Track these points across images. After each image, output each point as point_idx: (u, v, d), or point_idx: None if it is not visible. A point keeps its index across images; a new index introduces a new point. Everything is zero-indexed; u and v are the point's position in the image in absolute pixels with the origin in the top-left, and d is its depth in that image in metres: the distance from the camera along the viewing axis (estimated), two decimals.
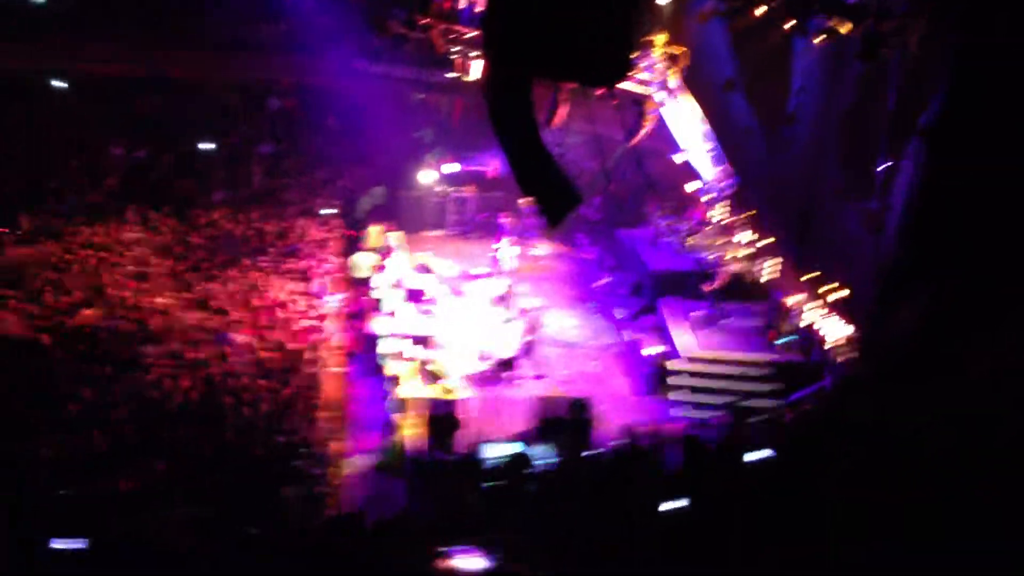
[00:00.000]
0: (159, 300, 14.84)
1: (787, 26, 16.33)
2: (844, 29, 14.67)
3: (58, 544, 7.94)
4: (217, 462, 10.78)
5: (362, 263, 19.21)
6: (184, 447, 10.97)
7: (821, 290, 16.00)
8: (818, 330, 15.90)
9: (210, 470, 10.55)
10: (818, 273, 16.40)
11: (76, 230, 16.82)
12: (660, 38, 17.61)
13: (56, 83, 21.91)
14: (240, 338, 14.00)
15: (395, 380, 14.61)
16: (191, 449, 10.97)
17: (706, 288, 17.36)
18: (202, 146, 22.18)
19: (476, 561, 5.91)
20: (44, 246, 15.99)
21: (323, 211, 20.48)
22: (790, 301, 16.84)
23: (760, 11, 16.41)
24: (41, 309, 13.81)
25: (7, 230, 16.23)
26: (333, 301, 16.66)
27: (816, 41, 15.53)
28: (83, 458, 10.39)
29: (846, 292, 15.54)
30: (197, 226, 18.16)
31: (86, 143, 20.93)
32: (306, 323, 15.17)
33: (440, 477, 11.73)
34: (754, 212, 18.95)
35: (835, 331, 15.46)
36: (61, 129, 21.18)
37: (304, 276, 16.89)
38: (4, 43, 21.30)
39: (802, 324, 16.55)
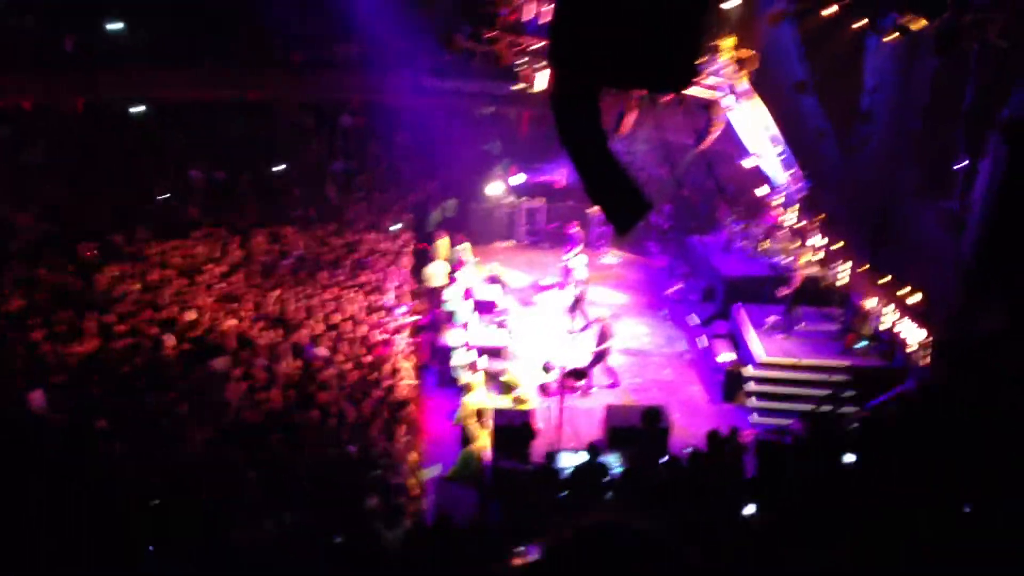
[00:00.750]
0: (240, 316, 15.24)
1: (858, 25, 16.06)
2: (917, 26, 14.35)
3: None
4: (303, 473, 11.04)
5: (434, 275, 19.47)
6: (273, 458, 11.27)
7: (899, 293, 15.62)
8: (899, 333, 15.53)
9: (297, 481, 10.81)
10: (895, 276, 16.03)
11: (161, 251, 17.38)
12: (728, 42, 17.46)
13: (137, 110, 22.83)
14: (320, 352, 14.30)
15: (468, 391, 14.75)
16: (280, 460, 11.27)
17: (780, 293, 17.09)
18: (278, 166, 22.81)
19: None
20: (131, 267, 16.57)
21: (394, 225, 20.80)
22: (868, 305, 16.48)
23: (830, 11, 16.16)
24: (132, 329, 14.32)
25: (96, 253, 16.84)
26: (406, 314, 16.92)
27: (889, 39, 15.22)
28: (178, 467, 10.75)
29: (923, 295, 15.13)
30: (275, 244, 18.62)
31: (167, 167, 21.70)
32: (381, 336, 15.42)
33: (517, 486, 11.78)
34: (827, 215, 18.63)
35: (916, 335, 15.07)
36: (144, 155, 22.02)
37: (378, 289, 17.17)
38: (88, 74, 22.29)
39: (882, 328, 16.19)
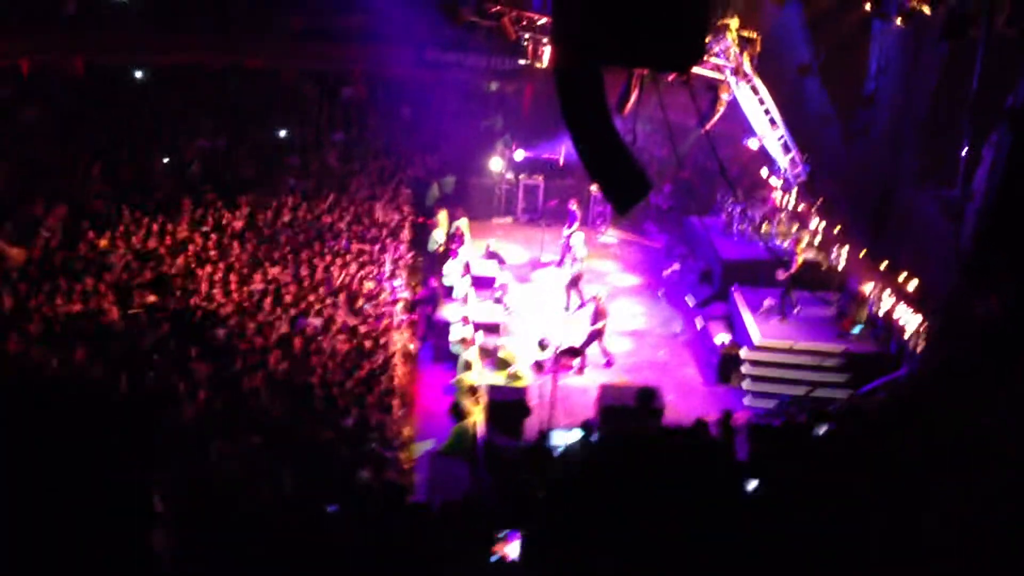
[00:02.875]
0: (238, 285, 15.21)
1: (865, 8, 15.94)
2: (926, 9, 14.27)
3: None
4: (297, 442, 11.09)
5: (432, 249, 19.47)
6: (273, 424, 11.35)
7: (897, 279, 15.62)
8: (896, 319, 15.54)
9: (291, 449, 10.86)
10: (893, 262, 16.02)
11: (158, 219, 17.27)
12: (733, 22, 17.38)
13: (139, 75, 22.65)
14: (314, 322, 14.29)
15: (464, 366, 14.77)
16: (279, 426, 11.35)
17: (779, 277, 17.08)
18: (277, 134, 22.69)
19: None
20: (128, 235, 16.49)
21: (394, 199, 20.73)
22: (865, 290, 16.49)
23: None
24: (128, 296, 14.29)
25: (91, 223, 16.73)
26: (403, 287, 16.90)
27: (895, 23, 15.12)
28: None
29: (920, 282, 15.13)
30: (273, 213, 18.55)
31: (166, 133, 21.56)
32: (378, 308, 15.42)
33: (509, 462, 11.81)
34: (827, 199, 18.59)
35: (912, 321, 15.09)
36: (143, 120, 21.87)
37: (375, 262, 17.14)
38: (89, 39, 22.12)
39: (879, 313, 16.21)
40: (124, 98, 22.46)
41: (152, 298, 14.25)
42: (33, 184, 17.57)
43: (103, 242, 15.99)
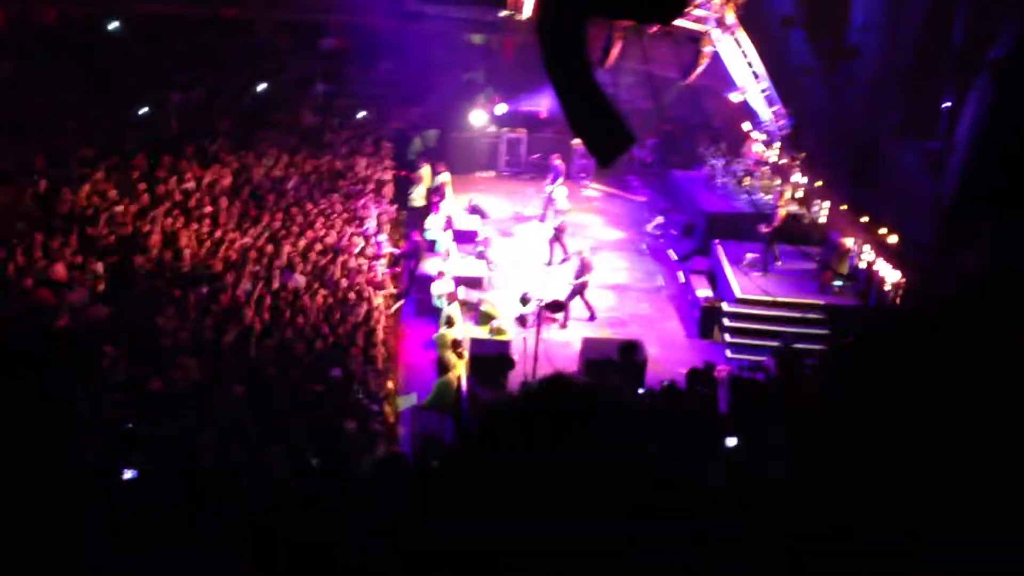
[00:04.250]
0: (219, 240, 15.11)
1: None
2: None
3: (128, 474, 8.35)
4: (281, 394, 11.14)
5: (415, 203, 19.39)
6: (255, 374, 11.38)
7: (878, 233, 15.72)
8: (876, 273, 15.67)
9: (276, 403, 10.91)
10: (875, 215, 16.10)
11: (138, 173, 17.03)
12: None
13: (112, 26, 22.19)
14: (298, 277, 14.25)
15: (447, 321, 14.80)
16: (261, 376, 11.39)
17: (762, 230, 17.14)
18: (255, 86, 22.35)
19: None
20: (106, 190, 16.26)
21: (375, 152, 20.55)
22: (845, 244, 16.59)
23: None
24: (105, 252, 14.16)
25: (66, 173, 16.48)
26: (386, 241, 16.84)
27: None
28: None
29: (901, 236, 15.23)
30: (253, 167, 18.34)
31: (143, 86, 21.17)
32: (360, 263, 15.38)
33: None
34: (809, 153, 18.61)
35: (892, 274, 15.22)
36: (118, 73, 21.45)
37: (358, 217, 17.06)
38: None
39: (860, 267, 16.32)
40: (98, 50, 22.01)
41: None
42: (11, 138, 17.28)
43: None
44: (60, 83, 20.20)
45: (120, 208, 15.44)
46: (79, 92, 20.17)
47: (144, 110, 20.10)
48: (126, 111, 19.99)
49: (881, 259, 15.58)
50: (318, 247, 15.47)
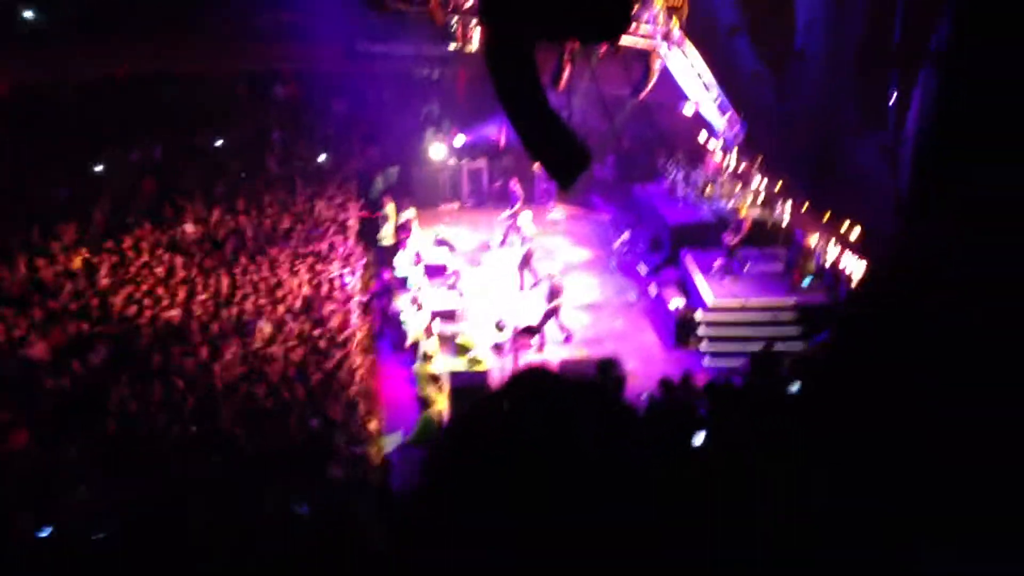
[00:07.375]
0: (185, 296, 14.95)
1: None
2: None
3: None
4: (261, 449, 10.98)
5: (385, 241, 19.40)
6: (230, 437, 11.18)
7: (841, 228, 15.92)
8: (843, 268, 15.85)
9: (256, 457, 10.75)
10: (836, 212, 16.31)
11: (103, 237, 16.79)
12: None
13: (64, 91, 22.04)
14: (266, 327, 14.13)
15: (423, 356, 14.74)
16: (238, 439, 11.19)
17: (727, 236, 17.30)
18: (213, 138, 22.26)
19: None
20: (74, 257, 16.02)
21: (338, 194, 20.54)
22: (811, 242, 16.78)
23: None
24: (77, 318, 13.95)
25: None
26: (356, 282, 16.80)
27: None
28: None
29: (862, 229, 15.42)
30: (217, 218, 18.22)
31: (98, 150, 20.97)
32: (331, 306, 15.30)
33: None
34: (766, 156, 18.84)
35: (857, 268, 15.40)
36: (72, 137, 21.26)
37: (325, 259, 17.00)
38: (8, 56, 21.51)
39: (826, 264, 16.51)
40: (53, 115, 21.82)
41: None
42: None
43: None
44: (12, 151, 19.98)
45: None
46: (34, 158, 19.95)
47: (100, 168, 19.93)
48: (85, 178, 19.77)
49: (847, 253, 15.77)
50: (286, 294, 15.36)
